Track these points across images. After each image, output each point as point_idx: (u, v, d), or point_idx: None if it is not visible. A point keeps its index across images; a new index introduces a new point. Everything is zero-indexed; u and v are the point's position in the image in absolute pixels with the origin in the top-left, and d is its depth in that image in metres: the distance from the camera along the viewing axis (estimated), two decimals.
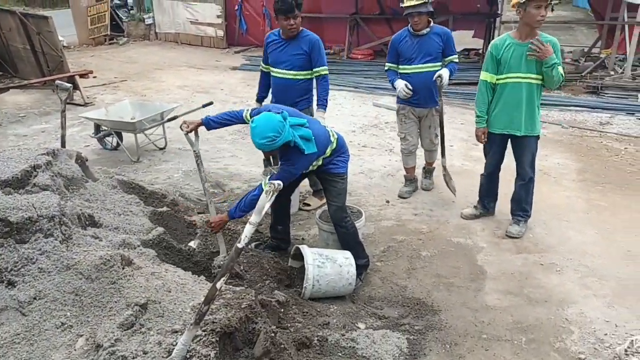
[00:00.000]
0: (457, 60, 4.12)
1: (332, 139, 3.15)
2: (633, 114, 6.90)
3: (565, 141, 5.96)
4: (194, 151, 3.22)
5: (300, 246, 3.09)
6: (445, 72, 3.96)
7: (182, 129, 3.16)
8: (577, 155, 5.51)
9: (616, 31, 9.16)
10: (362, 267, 3.25)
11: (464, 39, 10.58)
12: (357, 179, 4.85)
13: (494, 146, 3.83)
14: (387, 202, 4.40)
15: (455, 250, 3.68)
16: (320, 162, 3.11)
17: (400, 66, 4.14)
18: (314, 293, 2.94)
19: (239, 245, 2.18)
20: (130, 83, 9.03)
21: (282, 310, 2.64)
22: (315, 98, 4.00)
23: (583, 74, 8.59)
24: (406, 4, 3.89)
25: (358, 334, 2.60)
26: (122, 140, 5.47)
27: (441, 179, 4.43)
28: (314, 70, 3.86)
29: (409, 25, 4.03)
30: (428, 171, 4.68)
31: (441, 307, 3.04)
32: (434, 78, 3.96)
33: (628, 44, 8.47)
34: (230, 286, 2.61)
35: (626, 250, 3.65)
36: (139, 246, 2.72)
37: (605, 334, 2.83)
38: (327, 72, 3.90)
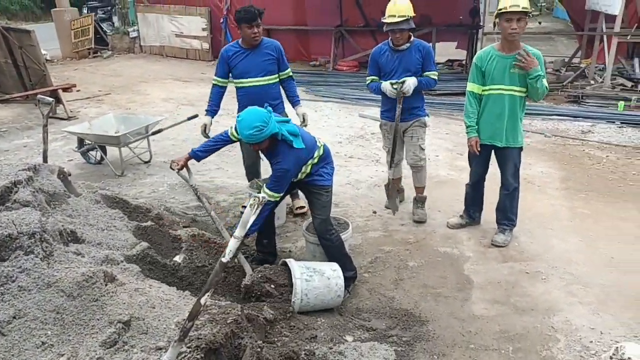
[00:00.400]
0: (435, 77, 3.95)
1: (318, 144, 3.19)
2: (613, 122, 7.04)
3: (548, 150, 6.06)
4: (191, 186, 3.24)
5: (287, 260, 3.08)
6: (411, 80, 3.81)
7: (172, 169, 3.17)
8: (560, 164, 5.59)
9: (595, 41, 9.38)
10: (349, 279, 3.24)
11: (447, 50, 10.77)
12: (344, 189, 4.86)
13: (477, 156, 3.87)
14: (374, 212, 4.40)
15: (442, 260, 3.69)
16: (308, 170, 3.12)
17: (382, 80, 4.04)
18: (303, 307, 2.91)
19: (224, 260, 2.16)
20: (114, 96, 8.97)
21: (269, 325, 2.61)
22: (287, 100, 4.18)
23: (564, 84, 8.78)
24: (388, 20, 3.78)
25: (346, 346, 2.58)
26: (106, 154, 5.41)
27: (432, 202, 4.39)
28: (283, 73, 4.08)
29: (389, 39, 3.96)
30: (419, 200, 4.28)
31: (429, 318, 3.04)
32: (399, 80, 3.84)
33: (607, 53, 8.68)
34: (216, 301, 2.58)
35: (609, 258, 3.69)
36: (122, 262, 2.68)
37: (591, 342, 2.85)
38: (291, 72, 4.18)
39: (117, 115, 6.01)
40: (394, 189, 4.28)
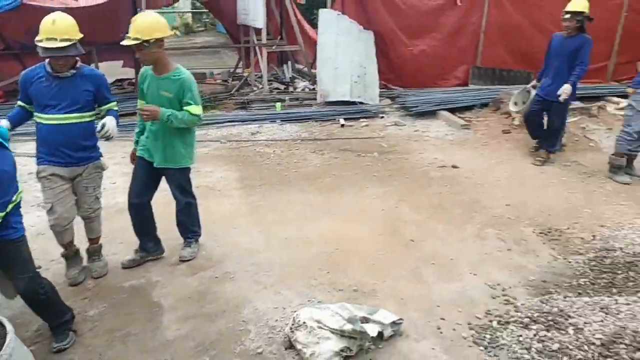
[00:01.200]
0: (116, 108, 3.50)
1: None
2: (275, 121, 8.10)
3: (225, 155, 6.45)
4: None
5: None
6: (110, 120, 3.30)
7: None
8: (236, 166, 6.01)
9: (250, 52, 10.63)
10: (68, 322, 2.95)
11: (115, 70, 10.24)
12: None
13: (139, 171, 3.66)
14: (39, 267, 3.63)
15: (128, 296, 3.37)
16: (9, 208, 2.51)
17: (36, 114, 3.25)
18: None
19: None
20: None
21: None
22: None
23: (232, 92, 9.61)
24: (45, 44, 3.04)
25: None
26: None
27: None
28: None
29: (47, 62, 3.21)
30: (94, 251, 3.69)
31: None
32: (97, 129, 3.26)
33: (261, 62, 9.94)
34: None
35: (283, 239, 4.14)
36: None
37: (276, 320, 3.10)
38: None
39: None
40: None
